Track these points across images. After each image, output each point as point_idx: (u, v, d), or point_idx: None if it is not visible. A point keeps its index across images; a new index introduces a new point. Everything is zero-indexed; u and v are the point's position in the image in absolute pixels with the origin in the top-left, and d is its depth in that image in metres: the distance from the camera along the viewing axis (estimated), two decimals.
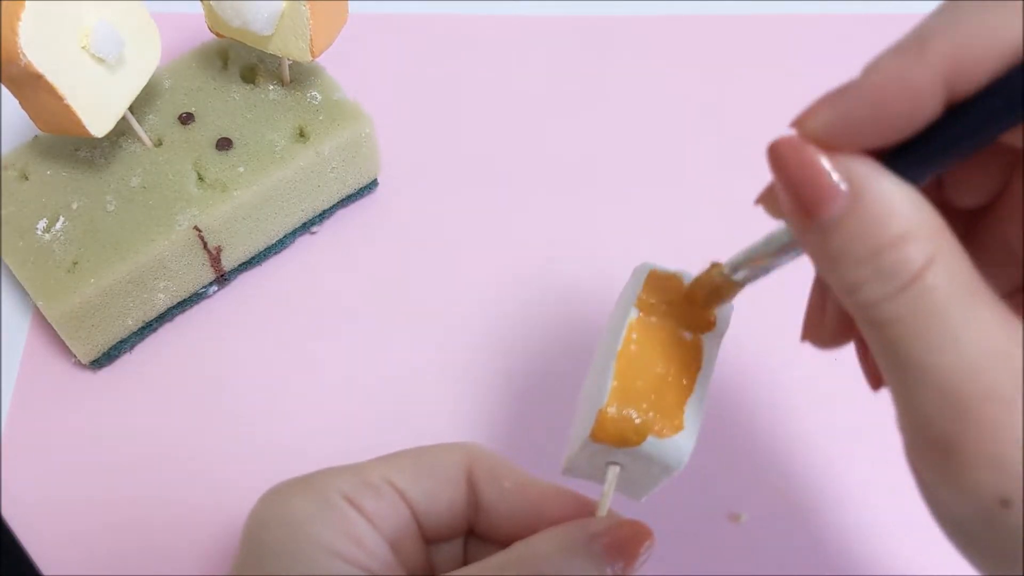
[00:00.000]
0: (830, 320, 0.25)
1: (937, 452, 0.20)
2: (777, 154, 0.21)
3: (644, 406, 0.26)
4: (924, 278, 0.19)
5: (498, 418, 0.42)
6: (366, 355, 0.44)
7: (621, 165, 0.50)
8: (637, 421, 0.26)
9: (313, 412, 0.42)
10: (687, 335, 0.26)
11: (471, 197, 0.48)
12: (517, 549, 0.26)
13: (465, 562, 0.29)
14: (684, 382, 0.26)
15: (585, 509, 0.28)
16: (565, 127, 0.51)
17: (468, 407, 0.42)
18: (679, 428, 0.26)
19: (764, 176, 0.22)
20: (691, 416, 0.26)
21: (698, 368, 0.26)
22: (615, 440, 0.26)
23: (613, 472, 0.27)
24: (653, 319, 0.26)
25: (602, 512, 0.27)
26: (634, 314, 0.26)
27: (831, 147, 0.20)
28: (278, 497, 0.27)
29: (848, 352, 0.25)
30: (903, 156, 0.20)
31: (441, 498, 0.27)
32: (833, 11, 0.55)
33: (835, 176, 0.20)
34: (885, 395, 0.21)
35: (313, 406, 0.42)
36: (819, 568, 0.39)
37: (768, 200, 0.24)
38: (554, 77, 0.52)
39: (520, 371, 0.43)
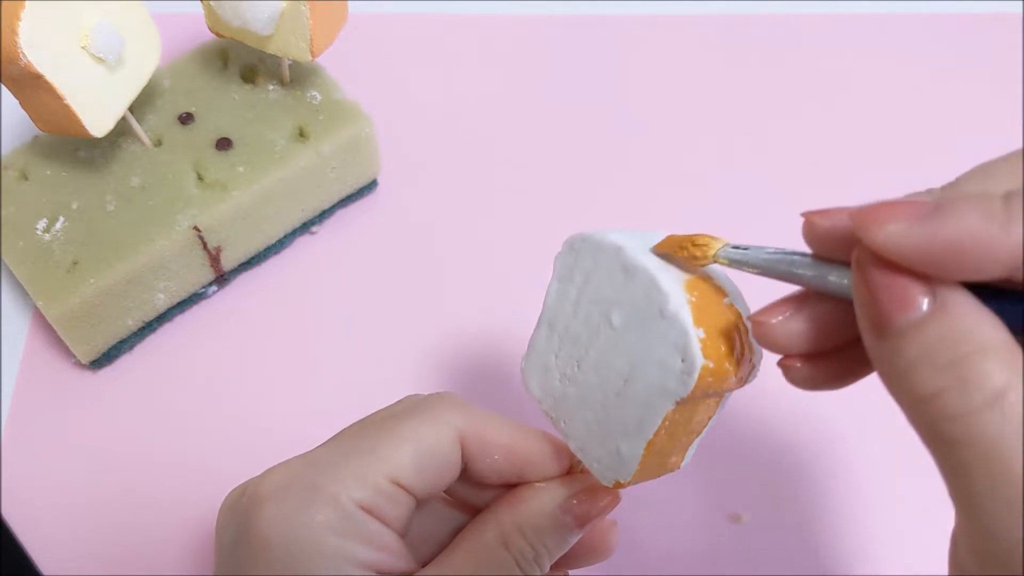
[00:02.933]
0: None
1: (1004, 569, 0.19)
2: (862, 261, 0.20)
3: (655, 471, 0.28)
4: (1007, 397, 0.18)
5: None
6: (366, 355, 0.44)
7: (622, 164, 0.49)
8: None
9: (313, 412, 0.42)
10: (712, 401, 0.27)
11: (471, 197, 0.48)
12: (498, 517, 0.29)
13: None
14: (693, 436, 0.28)
15: (565, 468, 0.30)
16: (565, 126, 0.51)
17: None
18: (675, 467, 0.28)
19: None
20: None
21: (706, 422, 0.28)
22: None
23: None
24: (685, 407, 0.26)
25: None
26: (670, 406, 0.26)
27: (906, 268, 0.20)
28: (293, 500, 0.27)
29: None
30: (983, 290, 0.19)
31: (441, 484, 0.29)
32: (833, 11, 0.55)
33: (920, 286, 0.20)
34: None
35: (313, 406, 0.42)
36: (819, 568, 0.39)
37: (817, 225, 0.22)
38: (554, 77, 0.52)
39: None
